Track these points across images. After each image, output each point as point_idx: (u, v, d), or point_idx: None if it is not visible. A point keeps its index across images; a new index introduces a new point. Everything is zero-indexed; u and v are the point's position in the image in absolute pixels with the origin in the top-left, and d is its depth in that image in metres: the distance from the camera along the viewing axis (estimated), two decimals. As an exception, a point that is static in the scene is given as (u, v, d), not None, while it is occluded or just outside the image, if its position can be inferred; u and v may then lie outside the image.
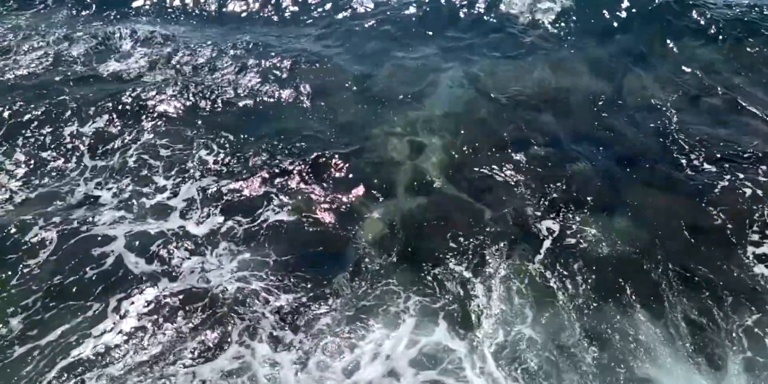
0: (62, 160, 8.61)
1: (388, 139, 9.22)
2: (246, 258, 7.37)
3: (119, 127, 9.18)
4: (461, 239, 7.70)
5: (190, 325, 6.62)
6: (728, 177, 8.46)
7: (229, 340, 6.54)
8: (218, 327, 6.62)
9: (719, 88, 10.13)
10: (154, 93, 9.80)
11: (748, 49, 11.03)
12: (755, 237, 7.70)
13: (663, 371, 6.46)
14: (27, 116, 9.20)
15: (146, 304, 6.77)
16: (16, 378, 6.08)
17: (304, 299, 6.97)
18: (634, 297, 7.10)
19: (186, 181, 8.35)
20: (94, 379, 6.09)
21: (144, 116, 9.39)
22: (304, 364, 6.39)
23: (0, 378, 6.07)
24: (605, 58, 10.99)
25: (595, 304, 7.01)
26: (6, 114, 9.21)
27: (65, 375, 6.10)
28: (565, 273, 7.33)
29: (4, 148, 8.68)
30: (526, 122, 9.53)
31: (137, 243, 7.40)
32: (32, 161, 8.51)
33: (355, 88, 10.18)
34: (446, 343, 6.66)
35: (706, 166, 8.73)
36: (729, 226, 7.83)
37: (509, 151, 8.98)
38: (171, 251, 7.37)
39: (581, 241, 7.70)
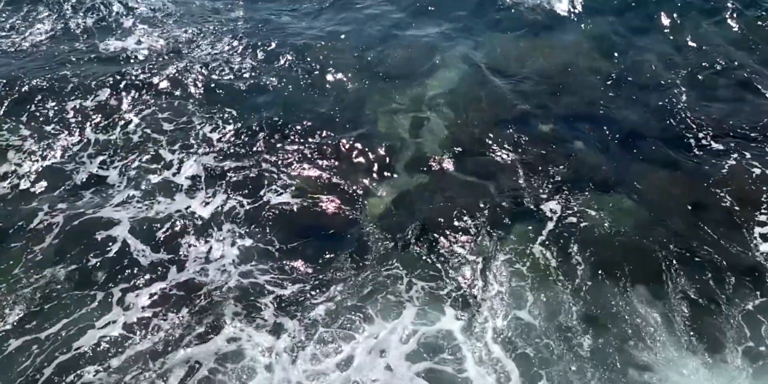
0: (66, 134, 8.58)
1: (392, 116, 9.16)
2: (248, 244, 7.37)
3: (122, 103, 9.11)
4: (465, 219, 7.70)
5: (192, 314, 6.64)
6: (734, 156, 8.41)
7: (228, 328, 6.56)
8: (218, 316, 6.65)
9: (727, 66, 9.98)
10: (156, 69, 9.72)
11: (758, 26, 10.83)
12: (762, 217, 7.66)
13: (661, 357, 6.45)
14: (31, 92, 9.14)
15: (149, 294, 6.79)
16: (20, 359, 6.13)
17: (306, 287, 6.98)
18: (635, 280, 7.07)
19: (190, 158, 8.33)
20: (92, 369, 6.12)
21: (146, 92, 9.33)
22: (302, 353, 6.41)
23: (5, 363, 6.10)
24: (612, 36, 10.81)
25: (595, 287, 7.00)
26: (10, 90, 9.15)
27: (67, 360, 6.15)
28: (566, 255, 7.32)
29: (9, 123, 8.65)
30: (530, 101, 9.44)
31: (142, 228, 7.40)
32: (37, 136, 8.49)
33: (359, 65, 10.07)
34: (447, 330, 6.65)
35: (713, 144, 8.66)
36: (735, 206, 7.80)
37: (513, 129, 8.93)
38: (175, 237, 7.36)
39: (584, 221, 7.69)
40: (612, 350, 6.48)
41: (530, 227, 7.66)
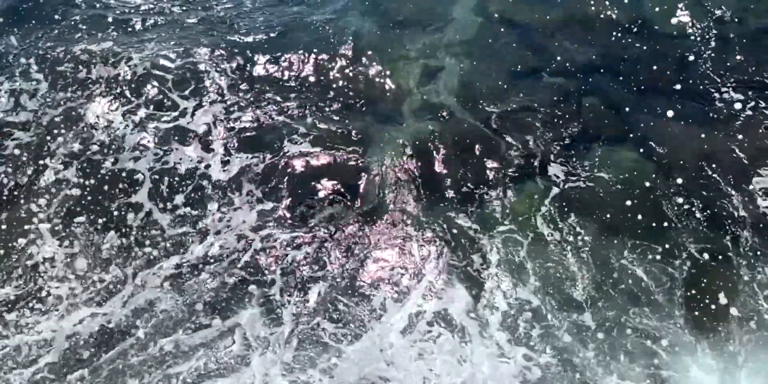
0: (76, 77, 8.55)
1: (405, 65, 9.02)
2: (265, 208, 7.38)
3: (128, 47, 9.04)
4: (475, 178, 7.72)
5: (210, 290, 6.72)
6: (752, 105, 8.16)
7: (231, 312, 6.62)
8: (224, 298, 6.71)
9: (752, 13, 9.54)
10: (165, 19, 9.62)
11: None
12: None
13: (669, 331, 6.44)
14: (40, 36, 9.15)
15: (160, 271, 6.85)
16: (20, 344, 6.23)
17: (314, 257, 7.03)
18: (643, 244, 7.02)
19: (201, 107, 8.31)
20: (92, 350, 6.20)
21: (156, 42, 9.20)
22: (300, 338, 6.45)
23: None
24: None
25: (600, 251, 7.00)
26: (17, 35, 9.19)
27: (68, 346, 6.23)
28: (575, 215, 7.31)
29: (21, 68, 8.68)
30: (546, 52, 9.17)
31: (158, 188, 7.44)
32: (50, 78, 8.49)
33: (371, 10, 9.81)
34: (450, 307, 6.70)
35: (733, 96, 8.35)
36: (751, 160, 7.66)
37: (526, 81, 8.78)
38: (193, 201, 7.40)
39: (592, 180, 7.63)
40: (615, 321, 6.50)
41: (539, 185, 7.65)
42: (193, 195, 7.49)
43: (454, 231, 7.30)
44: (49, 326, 6.37)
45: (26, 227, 7.05)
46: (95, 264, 6.84)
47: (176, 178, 7.61)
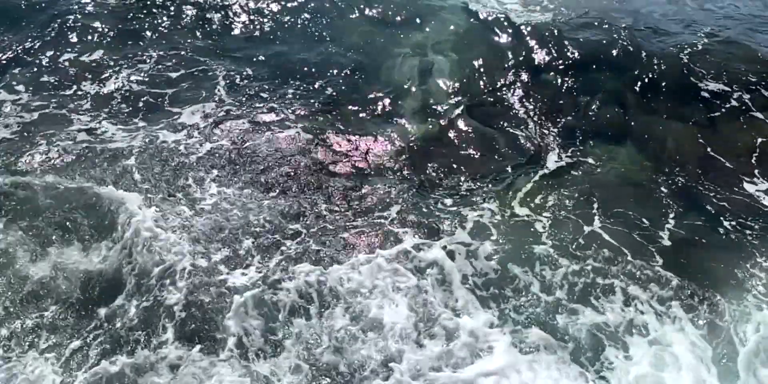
0: (61, 85, 8.48)
1: (397, 61, 8.99)
2: (261, 203, 7.09)
3: (121, 52, 9.01)
4: (466, 169, 7.58)
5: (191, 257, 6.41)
6: (753, 105, 8.08)
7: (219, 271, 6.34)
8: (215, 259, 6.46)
9: (752, 10, 9.39)
10: (159, 22, 9.61)
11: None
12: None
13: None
14: (29, 45, 9.09)
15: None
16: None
17: (314, 229, 6.79)
18: (634, 238, 6.82)
19: (191, 105, 8.23)
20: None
21: (146, 38, 9.25)
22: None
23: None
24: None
25: (587, 243, 6.76)
26: (5, 42, 9.16)
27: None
28: (566, 208, 7.13)
29: (7, 78, 8.54)
30: (538, 45, 9.14)
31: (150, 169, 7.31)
32: (31, 88, 8.38)
33: (362, 7, 9.81)
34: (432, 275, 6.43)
35: (732, 93, 8.26)
36: (749, 159, 7.62)
37: (519, 75, 8.73)
38: (178, 177, 7.24)
39: (588, 170, 7.54)
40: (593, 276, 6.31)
41: (534, 180, 7.50)
42: (178, 173, 7.33)
43: (439, 219, 7.05)
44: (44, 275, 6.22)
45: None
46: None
47: (164, 158, 7.50)
